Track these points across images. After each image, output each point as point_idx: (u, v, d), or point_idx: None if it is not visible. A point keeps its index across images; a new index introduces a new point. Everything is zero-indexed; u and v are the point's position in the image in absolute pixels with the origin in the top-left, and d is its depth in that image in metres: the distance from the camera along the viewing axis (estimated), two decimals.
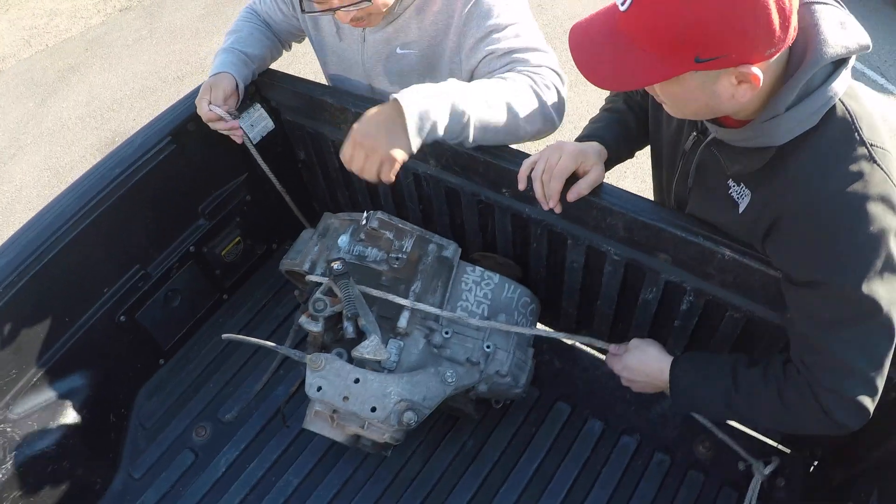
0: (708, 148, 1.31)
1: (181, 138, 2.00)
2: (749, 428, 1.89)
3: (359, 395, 1.52)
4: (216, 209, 2.20)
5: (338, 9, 1.60)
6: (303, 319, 1.62)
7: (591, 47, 1.09)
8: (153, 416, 2.14)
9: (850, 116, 1.11)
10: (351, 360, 1.61)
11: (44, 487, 1.84)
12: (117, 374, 2.10)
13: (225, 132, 1.92)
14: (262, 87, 2.09)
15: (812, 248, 1.16)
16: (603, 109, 1.72)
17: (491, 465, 1.94)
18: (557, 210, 1.53)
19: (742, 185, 1.28)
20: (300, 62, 1.97)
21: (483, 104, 1.46)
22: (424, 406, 1.54)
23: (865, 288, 1.12)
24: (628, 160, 1.70)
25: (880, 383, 1.21)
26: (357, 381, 1.53)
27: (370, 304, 1.63)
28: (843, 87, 1.08)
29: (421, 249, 1.74)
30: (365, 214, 1.71)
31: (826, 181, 1.11)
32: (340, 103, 1.90)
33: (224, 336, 1.64)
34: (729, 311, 1.57)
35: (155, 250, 2.10)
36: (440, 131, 1.41)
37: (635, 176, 3.87)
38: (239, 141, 1.94)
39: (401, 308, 1.65)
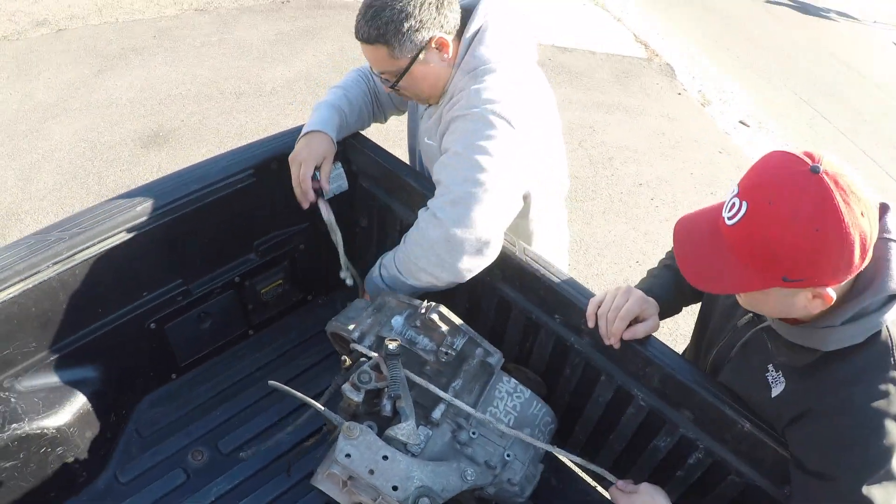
0: (760, 332, 1.46)
1: (262, 174, 2.08)
2: None
3: (384, 472, 1.57)
4: (269, 249, 2.28)
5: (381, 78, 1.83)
6: (346, 387, 1.68)
7: (693, 246, 1.27)
8: (152, 427, 2.16)
9: (891, 342, 1.27)
10: (380, 435, 1.67)
11: (30, 466, 1.85)
12: (129, 377, 2.13)
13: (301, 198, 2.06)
14: (346, 149, 2.18)
15: (830, 445, 1.31)
16: (662, 265, 1.84)
17: None
18: (616, 346, 1.66)
19: (780, 373, 1.42)
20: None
21: (387, 275, 1.93)
22: (440, 496, 1.59)
23: (866, 490, 1.27)
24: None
25: None
26: (385, 458, 1.59)
27: (409, 388, 1.70)
28: (893, 317, 1.24)
29: (469, 350, 1.83)
30: (425, 303, 1.79)
31: (857, 392, 1.27)
32: (422, 189, 2.00)
33: (270, 383, 1.70)
34: (732, 475, 1.66)
35: (202, 271, 2.16)
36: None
37: None
38: (305, 206, 2.06)
39: (437, 400, 1.72)
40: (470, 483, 1.66)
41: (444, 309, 1.80)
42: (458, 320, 1.82)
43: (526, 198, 1.87)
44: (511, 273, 1.88)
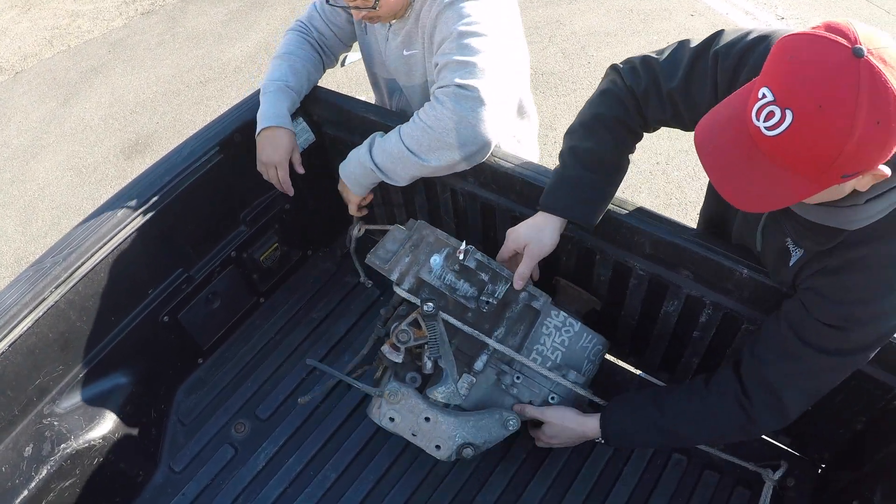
0: (773, 214, 1.40)
1: (228, 148, 2.09)
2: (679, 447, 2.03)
3: (427, 434, 1.63)
4: (256, 217, 2.31)
5: (351, 7, 1.81)
6: (385, 349, 1.71)
7: (730, 168, 1.10)
8: (192, 413, 2.23)
9: None
10: (425, 382, 1.72)
11: (89, 479, 1.93)
12: (158, 372, 2.19)
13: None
14: (305, 101, 2.19)
15: (842, 299, 1.29)
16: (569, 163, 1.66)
17: (519, 462, 2.03)
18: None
19: (795, 244, 1.37)
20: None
21: (383, 155, 1.85)
22: (483, 446, 1.65)
23: (874, 340, 1.33)
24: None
25: (811, 403, 1.43)
26: (427, 419, 1.64)
27: (451, 334, 1.70)
28: None
29: (512, 296, 1.77)
30: (463, 247, 1.71)
31: (872, 253, 1.24)
32: (382, 120, 2.02)
33: (308, 361, 1.78)
34: (745, 325, 1.69)
35: (198, 254, 2.19)
36: (367, 182, 1.97)
37: (650, 191, 3.98)
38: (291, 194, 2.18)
39: (479, 348, 1.72)
40: (513, 430, 1.72)
41: (481, 255, 1.74)
42: (498, 267, 1.75)
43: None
44: (486, 178, 1.89)
